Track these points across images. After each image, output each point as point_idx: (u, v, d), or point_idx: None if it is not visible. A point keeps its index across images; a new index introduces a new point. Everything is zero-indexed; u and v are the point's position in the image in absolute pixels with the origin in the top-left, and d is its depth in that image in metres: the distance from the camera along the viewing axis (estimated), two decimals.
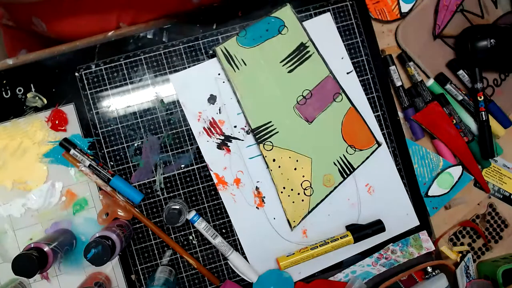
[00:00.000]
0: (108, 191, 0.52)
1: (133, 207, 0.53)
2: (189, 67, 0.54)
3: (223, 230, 0.55)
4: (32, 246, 0.45)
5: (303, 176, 0.55)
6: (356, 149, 0.56)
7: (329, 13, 0.57)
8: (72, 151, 0.52)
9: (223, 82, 0.54)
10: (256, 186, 0.55)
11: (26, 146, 0.53)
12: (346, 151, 0.56)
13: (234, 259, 0.54)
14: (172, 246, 0.53)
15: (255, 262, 0.55)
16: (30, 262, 0.43)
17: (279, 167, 0.54)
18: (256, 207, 0.55)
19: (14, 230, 0.53)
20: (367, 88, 0.57)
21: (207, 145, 0.54)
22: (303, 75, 0.55)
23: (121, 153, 0.53)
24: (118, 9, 0.52)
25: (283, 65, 0.55)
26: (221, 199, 0.54)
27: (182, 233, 0.54)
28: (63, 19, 0.53)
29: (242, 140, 0.54)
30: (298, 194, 0.55)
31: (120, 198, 0.52)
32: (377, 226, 0.55)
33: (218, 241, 0.53)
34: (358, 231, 0.54)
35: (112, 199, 0.52)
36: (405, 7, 0.59)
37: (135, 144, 0.54)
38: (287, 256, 0.54)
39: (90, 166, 0.51)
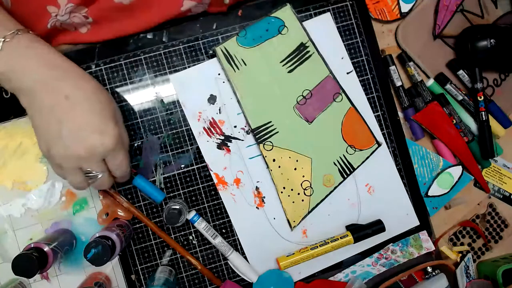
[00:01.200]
0: (111, 192, 0.52)
1: (135, 208, 0.53)
2: (189, 67, 0.54)
3: (223, 230, 0.55)
4: (32, 246, 0.45)
5: (303, 176, 0.55)
6: (356, 149, 0.56)
7: (329, 13, 0.57)
8: None
9: (223, 82, 0.54)
10: (256, 186, 0.55)
11: (26, 146, 0.53)
12: (346, 151, 0.56)
13: (234, 259, 0.54)
14: (174, 247, 0.53)
15: (255, 262, 0.55)
16: (30, 262, 0.43)
17: (279, 167, 0.54)
18: (256, 207, 0.55)
19: (14, 230, 0.53)
20: (367, 88, 0.57)
21: (207, 145, 0.54)
22: (303, 75, 0.55)
23: None
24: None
25: (283, 65, 0.55)
26: (221, 199, 0.54)
27: (182, 233, 0.54)
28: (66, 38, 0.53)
29: (242, 140, 0.54)
30: (298, 194, 0.55)
31: (122, 199, 0.52)
32: (377, 226, 0.55)
33: (218, 241, 0.53)
34: (358, 231, 0.54)
35: (112, 199, 0.52)
36: (405, 7, 0.59)
37: (135, 144, 0.54)
38: (287, 256, 0.54)
39: None
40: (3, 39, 0.39)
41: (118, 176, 0.46)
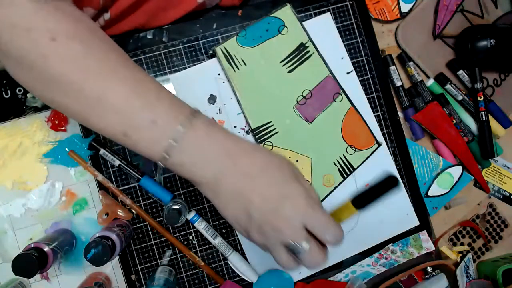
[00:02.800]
0: (114, 190, 0.52)
1: (138, 207, 0.53)
2: (189, 67, 0.54)
3: (223, 230, 0.55)
4: (32, 246, 0.45)
5: (303, 176, 0.55)
6: (356, 149, 0.56)
7: (329, 13, 0.57)
8: (102, 151, 0.51)
9: (223, 82, 0.54)
10: None
11: (26, 146, 0.53)
12: (346, 151, 0.56)
13: (234, 259, 0.54)
14: (177, 245, 0.53)
15: (255, 262, 0.55)
16: (30, 262, 0.43)
17: None
18: None
19: (14, 230, 0.53)
20: (367, 88, 0.57)
21: None
22: (303, 75, 0.55)
23: (121, 153, 0.53)
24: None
25: (283, 65, 0.55)
26: None
27: (182, 233, 0.54)
28: None
29: None
30: None
31: (125, 197, 0.52)
32: (383, 185, 0.42)
33: (218, 241, 0.53)
34: (361, 198, 0.43)
35: (112, 199, 0.52)
36: (405, 7, 0.59)
37: None
38: None
39: (120, 165, 0.51)
40: (182, 129, 0.35)
41: (331, 241, 0.38)
